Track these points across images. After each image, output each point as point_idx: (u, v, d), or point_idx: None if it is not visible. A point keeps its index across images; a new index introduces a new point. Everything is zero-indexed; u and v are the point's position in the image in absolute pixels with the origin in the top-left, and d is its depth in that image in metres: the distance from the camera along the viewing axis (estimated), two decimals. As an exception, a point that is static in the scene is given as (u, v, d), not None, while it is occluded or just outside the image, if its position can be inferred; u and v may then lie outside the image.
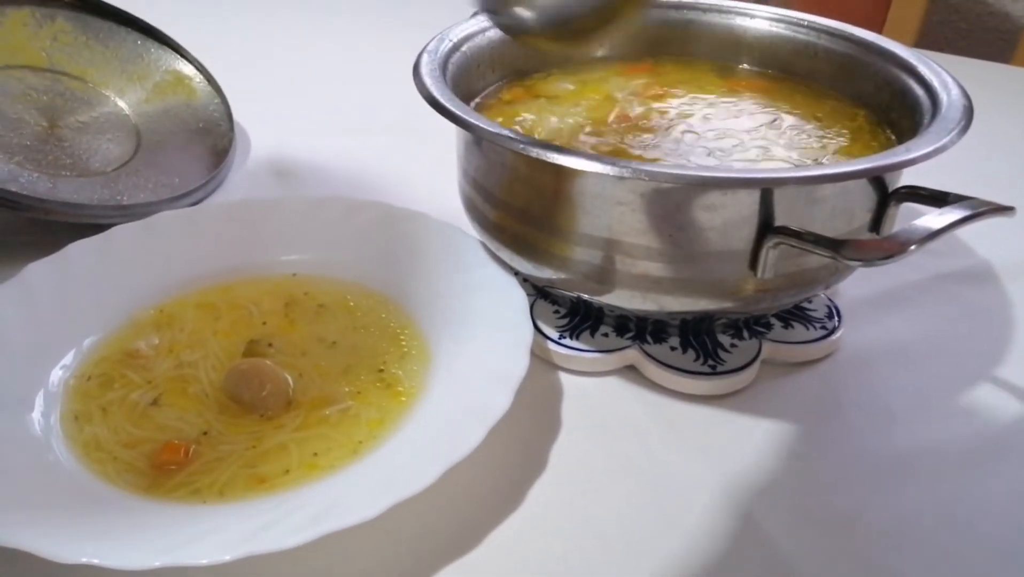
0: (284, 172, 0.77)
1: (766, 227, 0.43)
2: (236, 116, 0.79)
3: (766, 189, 0.41)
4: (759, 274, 0.44)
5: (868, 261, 0.39)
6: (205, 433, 0.44)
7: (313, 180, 0.74)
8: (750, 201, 0.42)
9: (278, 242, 0.57)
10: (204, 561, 0.34)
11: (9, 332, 0.47)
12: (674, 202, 0.42)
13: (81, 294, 0.52)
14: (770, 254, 0.43)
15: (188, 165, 0.74)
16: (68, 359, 0.48)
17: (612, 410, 0.49)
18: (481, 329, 0.48)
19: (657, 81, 0.60)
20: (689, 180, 0.40)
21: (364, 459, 0.42)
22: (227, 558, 0.34)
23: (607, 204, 0.43)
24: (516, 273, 0.51)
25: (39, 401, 0.45)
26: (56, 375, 0.47)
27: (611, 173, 0.40)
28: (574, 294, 0.50)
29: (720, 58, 0.64)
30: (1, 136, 0.67)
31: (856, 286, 0.58)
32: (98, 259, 0.54)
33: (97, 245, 0.55)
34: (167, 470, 0.42)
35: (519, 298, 0.49)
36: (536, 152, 0.42)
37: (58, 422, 0.44)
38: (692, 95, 0.58)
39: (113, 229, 0.57)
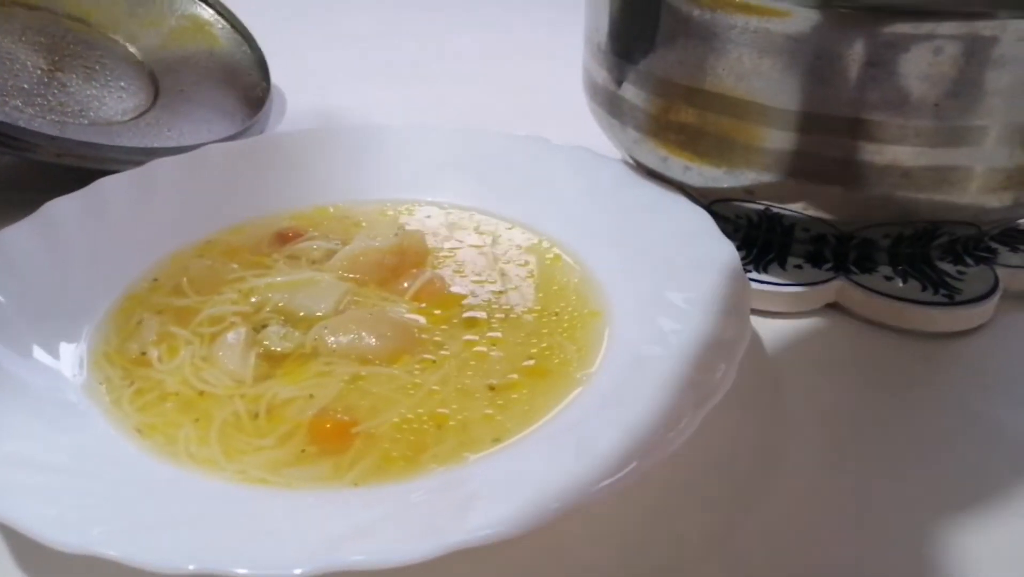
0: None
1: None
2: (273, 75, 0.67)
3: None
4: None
5: None
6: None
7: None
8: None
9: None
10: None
11: (31, 275, 0.35)
12: (951, 55, 0.31)
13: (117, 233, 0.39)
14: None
15: (219, 116, 0.62)
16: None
17: (832, 354, 0.38)
18: (665, 256, 0.37)
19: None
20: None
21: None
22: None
23: (850, 65, 0.33)
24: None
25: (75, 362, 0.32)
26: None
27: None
28: (760, 207, 0.39)
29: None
30: (-7, 75, 0.55)
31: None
32: (137, 194, 0.42)
33: (133, 180, 0.42)
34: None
35: (699, 213, 0.38)
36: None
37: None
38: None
39: (152, 163, 0.44)
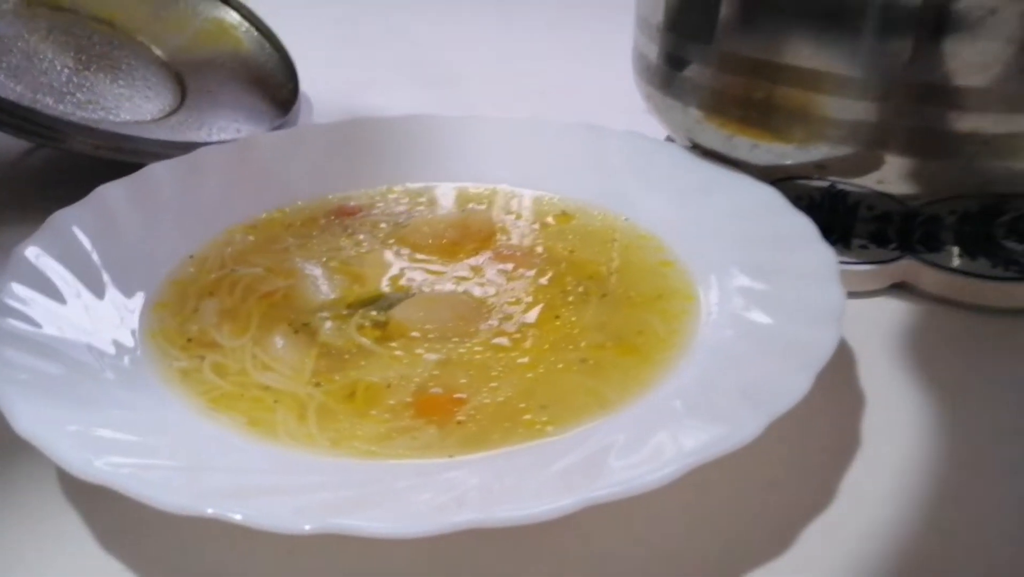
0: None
1: None
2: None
3: None
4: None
5: None
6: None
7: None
8: None
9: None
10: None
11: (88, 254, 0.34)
12: (1036, 18, 0.31)
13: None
14: None
15: (247, 117, 0.61)
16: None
17: (905, 331, 0.37)
18: (740, 232, 0.36)
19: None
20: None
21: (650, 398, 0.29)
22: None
23: (936, 30, 0.32)
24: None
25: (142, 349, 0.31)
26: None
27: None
28: (824, 184, 0.39)
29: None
30: (23, 72, 0.54)
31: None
32: (186, 180, 0.41)
33: (181, 166, 0.41)
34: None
35: (767, 190, 0.38)
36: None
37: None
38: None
39: (199, 150, 0.43)
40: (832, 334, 0.27)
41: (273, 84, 0.66)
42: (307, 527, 0.21)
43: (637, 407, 0.28)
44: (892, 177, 0.37)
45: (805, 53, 0.36)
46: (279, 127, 0.61)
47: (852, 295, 0.39)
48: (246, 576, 0.24)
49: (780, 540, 0.26)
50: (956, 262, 0.39)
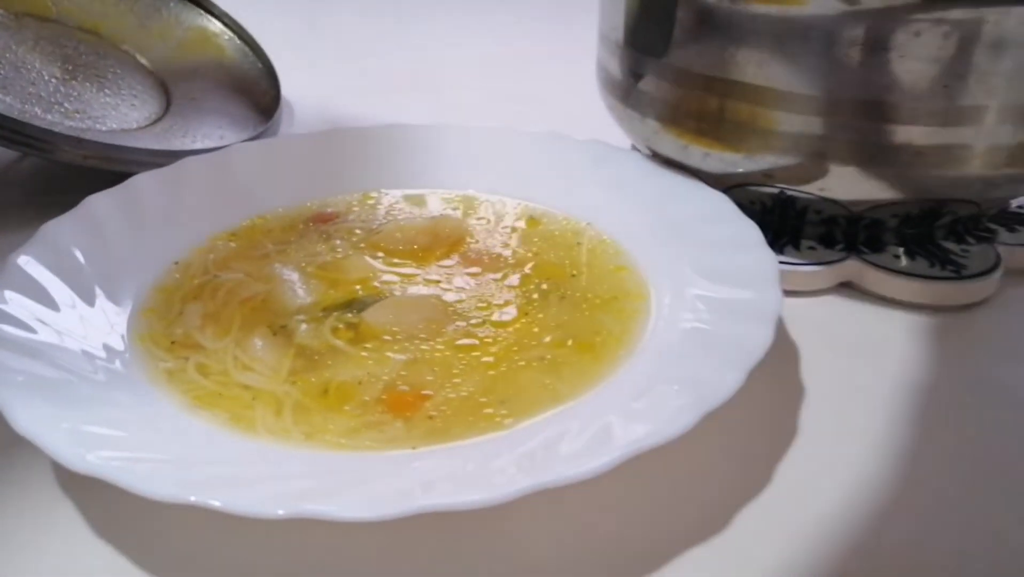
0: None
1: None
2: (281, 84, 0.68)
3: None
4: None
5: None
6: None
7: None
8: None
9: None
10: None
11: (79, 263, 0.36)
12: (960, 39, 0.34)
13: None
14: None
15: (230, 124, 0.63)
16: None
17: (848, 328, 0.40)
18: (693, 237, 0.39)
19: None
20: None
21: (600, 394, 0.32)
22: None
23: (866, 49, 0.35)
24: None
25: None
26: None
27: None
28: (775, 191, 0.41)
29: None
30: (11, 83, 0.56)
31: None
32: (170, 190, 0.43)
33: (165, 177, 0.44)
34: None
35: (720, 197, 0.40)
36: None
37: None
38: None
39: (182, 161, 0.45)
40: (767, 333, 0.30)
41: (256, 91, 0.68)
42: (280, 512, 0.23)
43: (587, 401, 0.30)
44: (834, 185, 0.39)
45: (752, 70, 0.38)
46: (262, 133, 0.63)
47: (800, 294, 0.42)
48: (226, 557, 0.27)
49: (715, 522, 0.28)
50: (896, 263, 0.42)
